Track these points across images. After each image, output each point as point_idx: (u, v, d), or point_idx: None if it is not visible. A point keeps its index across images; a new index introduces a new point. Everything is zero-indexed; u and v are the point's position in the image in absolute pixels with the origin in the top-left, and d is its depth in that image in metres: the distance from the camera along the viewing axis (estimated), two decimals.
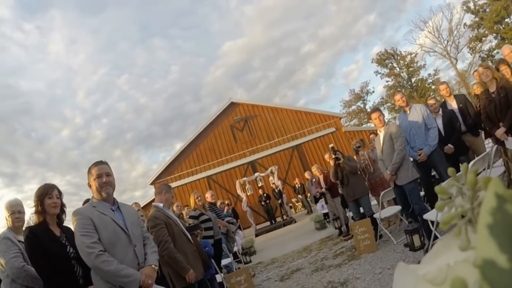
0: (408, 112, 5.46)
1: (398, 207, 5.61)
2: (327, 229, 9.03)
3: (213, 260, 4.78)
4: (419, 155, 5.18)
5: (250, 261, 7.35)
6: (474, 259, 0.27)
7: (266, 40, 58.93)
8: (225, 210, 9.07)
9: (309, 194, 15.63)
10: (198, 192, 6.05)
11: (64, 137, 58.62)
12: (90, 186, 2.71)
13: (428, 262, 0.34)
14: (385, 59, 41.68)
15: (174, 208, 6.70)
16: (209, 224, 5.72)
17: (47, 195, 2.81)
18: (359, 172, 6.19)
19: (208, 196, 7.35)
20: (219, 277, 4.97)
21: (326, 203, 7.57)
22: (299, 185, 15.42)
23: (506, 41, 34.27)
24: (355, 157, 6.46)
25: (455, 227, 0.32)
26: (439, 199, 0.37)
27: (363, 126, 37.37)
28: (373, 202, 6.61)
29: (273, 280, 6.03)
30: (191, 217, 5.79)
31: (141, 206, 18.61)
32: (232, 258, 6.87)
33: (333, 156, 6.04)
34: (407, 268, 0.35)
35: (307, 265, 6.17)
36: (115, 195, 2.82)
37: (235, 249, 8.02)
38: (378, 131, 5.32)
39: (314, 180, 10.36)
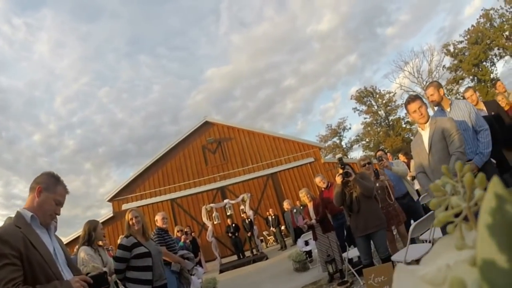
0: (449, 110, 3.76)
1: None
2: (310, 272, 6.98)
3: None
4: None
5: None
6: (471, 258, 0.26)
7: (250, 69, 58.40)
8: (182, 240, 6.90)
9: (283, 227, 13.58)
10: (136, 211, 3.93)
11: (35, 142, 54.84)
12: None
13: (428, 263, 0.33)
14: (364, 96, 41.55)
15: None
16: (147, 261, 3.60)
17: None
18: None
19: (159, 219, 5.25)
20: None
21: (315, 239, 5.55)
22: (273, 217, 13.33)
23: (483, 83, 34.60)
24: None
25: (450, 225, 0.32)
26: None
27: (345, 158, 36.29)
28: None
29: None
30: (120, 247, 3.65)
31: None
32: None
33: (341, 171, 4.10)
34: (406, 269, 0.33)
35: None
36: None
37: None
38: (419, 129, 3.48)
39: (295, 210, 8.39)
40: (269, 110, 58.13)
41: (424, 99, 3.64)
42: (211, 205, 13.32)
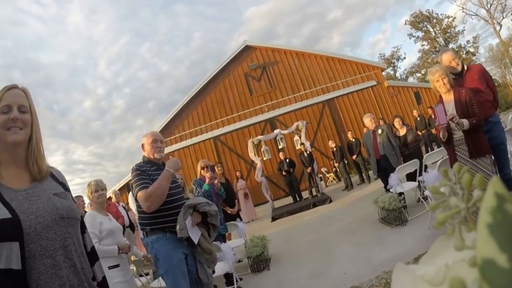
0: None
1: None
2: (410, 226, 4.25)
3: None
4: None
5: None
6: (471, 258, 0.26)
7: (291, 5, 53.16)
8: (207, 182, 4.27)
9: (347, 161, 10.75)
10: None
11: (86, 108, 56.09)
12: None
13: (427, 262, 0.32)
14: (420, 21, 35.16)
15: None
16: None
17: None
18: None
19: (146, 142, 2.68)
20: None
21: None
22: (336, 149, 10.51)
23: None
24: None
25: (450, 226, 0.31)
26: None
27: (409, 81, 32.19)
28: None
29: None
30: None
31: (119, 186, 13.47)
32: None
33: None
34: (405, 269, 0.32)
35: None
36: None
37: (227, 269, 3.31)
38: None
39: (380, 130, 5.46)
40: (315, 46, 53.50)
41: None
42: (259, 137, 10.69)
